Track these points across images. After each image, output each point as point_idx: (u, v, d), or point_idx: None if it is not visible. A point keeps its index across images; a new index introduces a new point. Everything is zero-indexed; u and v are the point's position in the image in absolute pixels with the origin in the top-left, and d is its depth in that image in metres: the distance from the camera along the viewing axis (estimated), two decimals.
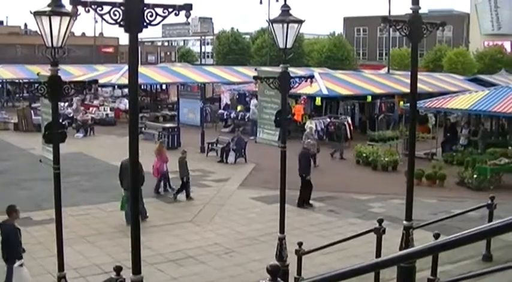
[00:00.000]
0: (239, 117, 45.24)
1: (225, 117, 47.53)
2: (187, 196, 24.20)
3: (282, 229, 14.04)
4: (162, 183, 25.03)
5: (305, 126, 36.89)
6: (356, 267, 5.72)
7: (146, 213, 20.87)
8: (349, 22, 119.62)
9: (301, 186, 23.56)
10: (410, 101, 13.32)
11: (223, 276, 15.86)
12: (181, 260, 16.65)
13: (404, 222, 11.96)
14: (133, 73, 8.58)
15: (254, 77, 14.69)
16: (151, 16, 8.34)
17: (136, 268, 8.84)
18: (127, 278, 9.70)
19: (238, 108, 47.37)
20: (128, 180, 19.80)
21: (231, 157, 31.89)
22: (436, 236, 11.29)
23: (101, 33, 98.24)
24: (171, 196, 24.35)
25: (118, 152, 27.67)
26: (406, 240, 11.82)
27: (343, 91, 42.95)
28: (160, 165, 24.65)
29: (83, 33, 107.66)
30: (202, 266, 16.27)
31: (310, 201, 23.54)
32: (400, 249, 11.26)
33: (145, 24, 8.34)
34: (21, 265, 13.72)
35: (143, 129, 40.15)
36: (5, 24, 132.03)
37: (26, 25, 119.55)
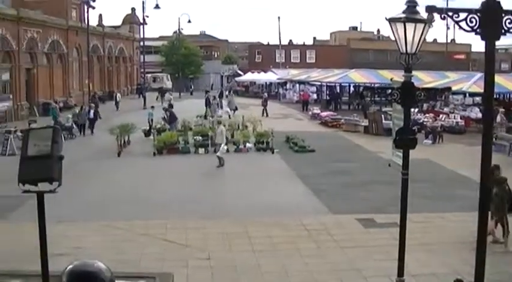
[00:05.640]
0: None
1: None
2: None
3: None
4: None
5: None
6: None
7: None
8: None
9: None
10: None
11: None
12: None
13: None
14: (489, 82, 8.34)
15: None
16: (510, 23, 8.05)
17: None
18: None
19: None
20: None
21: None
22: None
23: (453, 40, 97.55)
24: None
25: (466, 162, 27.21)
26: None
27: None
28: None
29: (435, 40, 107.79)
30: None
31: None
32: None
33: (503, 31, 8.07)
34: None
35: (494, 140, 38.97)
36: (358, 29, 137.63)
37: (378, 31, 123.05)
